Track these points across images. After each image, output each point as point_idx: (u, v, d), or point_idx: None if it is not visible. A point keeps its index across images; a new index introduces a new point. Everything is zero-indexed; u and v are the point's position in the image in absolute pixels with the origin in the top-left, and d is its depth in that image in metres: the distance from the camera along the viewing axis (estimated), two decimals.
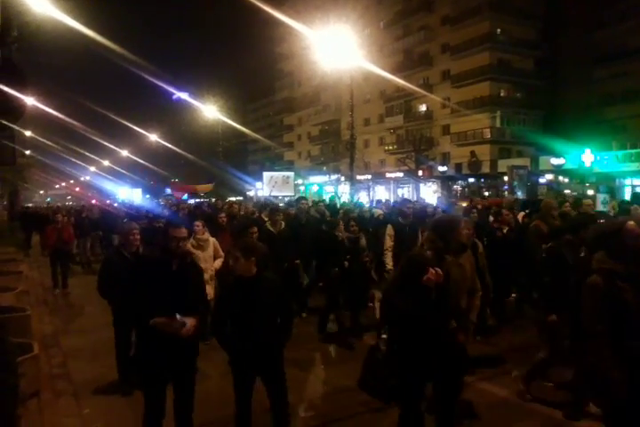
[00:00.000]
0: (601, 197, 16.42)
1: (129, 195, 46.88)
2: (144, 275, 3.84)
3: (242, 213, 12.28)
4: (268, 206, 14.04)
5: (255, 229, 6.67)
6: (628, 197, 26.74)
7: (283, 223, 8.09)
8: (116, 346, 5.49)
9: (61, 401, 5.17)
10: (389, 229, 7.29)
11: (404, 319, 3.62)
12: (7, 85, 3.58)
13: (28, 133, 30.50)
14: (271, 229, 7.83)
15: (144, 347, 3.82)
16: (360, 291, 7.52)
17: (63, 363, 6.35)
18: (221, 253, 7.12)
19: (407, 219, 7.50)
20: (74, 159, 57.89)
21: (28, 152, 36.31)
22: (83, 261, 15.16)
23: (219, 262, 7.02)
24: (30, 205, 54.67)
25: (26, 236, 20.13)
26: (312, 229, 8.44)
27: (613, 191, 27.94)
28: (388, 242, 7.25)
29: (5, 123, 3.68)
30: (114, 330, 5.49)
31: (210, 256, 6.97)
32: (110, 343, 5.65)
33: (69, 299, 10.86)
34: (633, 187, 28.52)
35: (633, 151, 28.95)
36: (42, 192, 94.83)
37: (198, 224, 7.00)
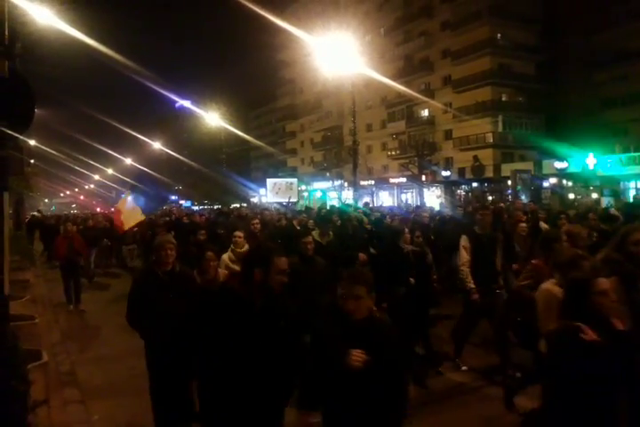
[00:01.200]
0: (605, 200, 16.43)
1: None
2: (212, 318, 2.89)
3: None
4: (302, 213, 13.78)
5: (310, 238, 5.69)
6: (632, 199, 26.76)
7: (331, 234, 7.32)
8: (150, 389, 4.34)
9: (70, 408, 5.19)
10: (465, 241, 6.30)
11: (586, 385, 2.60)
12: (14, 97, 3.64)
13: (32, 143, 30.70)
14: (319, 239, 6.85)
15: (218, 409, 2.88)
16: (425, 314, 6.43)
17: (72, 370, 6.38)
18: None
19: (485, 228, 6.42)
20: (78, 168, 58.20)
21: (32, 161, 36.50)
22: (88, 275, 14.24)
23: None
24: (36, 213, 54.77)
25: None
26: (362, 240, 7.54)
27: (618, 194, 27.91)
28: (464, 256, 6.23)
29: (12, 133, 3.73)
30: (145, 362, 4.38)
31: None
32: (120, 352, 5.67)
33: (84, 318, 9.95)
34: (637, 190, 28.45)
35: (636, 154, 28.91)
36: (46, 200, 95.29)
37: (240, 235, 6.42)
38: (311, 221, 10.01)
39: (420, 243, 6.75)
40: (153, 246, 4.50)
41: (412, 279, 6.03)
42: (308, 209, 16.36)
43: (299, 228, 9.66)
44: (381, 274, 5.53)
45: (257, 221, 8.66)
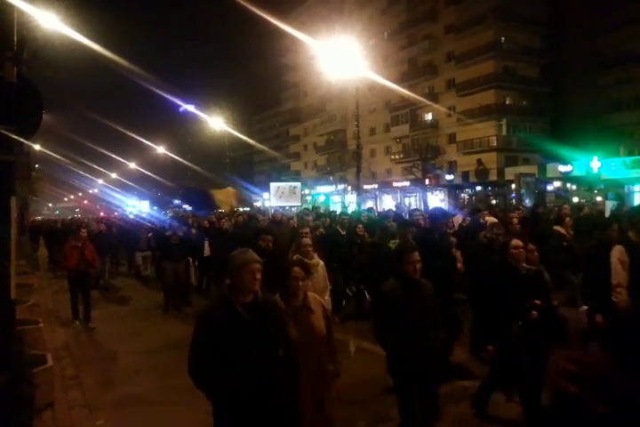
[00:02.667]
0: (609, 203, 16.37)
1: (136, 206, 46.89)
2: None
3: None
4: (322, 216, 13.27)
5: (416, 256, 4.03)
6: (638, 202, 26.65)
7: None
8: None
9: (75, 412, 5.20)
10: (619, 252, 4.94)
11: None
12: (22, 102, 3.66)
13: (37, 147, 30.81)
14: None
15: None
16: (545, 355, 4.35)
17: (76, 374, 6.39)
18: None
19: None
20: (82, 172, 58.36)
21: (37, 166, 36.59)
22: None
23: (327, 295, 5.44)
24: (39, 218, 54.90)
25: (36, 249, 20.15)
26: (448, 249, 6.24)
27: (622, 198, 27.80)
28: (620, 272, 4.84)
29: (18, 138, 3.75)
30: None
31: (322, 287, 5.44)
32: (125, 356, 5.64)
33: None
34: None
35: None
36: (50, 205, 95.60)
37: (309, 244, 5.74)
38: (360, 225, 9.13)
39: (533, 260, 5.23)
40: (230, 266, 3.08)
41: (533, 312, 4.38)
42: (330, 214, 15.70)
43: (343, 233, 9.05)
44: (489, 305, 4.73)
45: (307, 229, 7.56)
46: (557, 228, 8.19)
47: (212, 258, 11.24)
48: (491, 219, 8.40)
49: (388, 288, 3.98)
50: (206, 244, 11.57)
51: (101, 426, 4.93)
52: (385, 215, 11.15)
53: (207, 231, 11.99)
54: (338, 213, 15.49)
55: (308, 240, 5.82)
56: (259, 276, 3.07)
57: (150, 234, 14.53)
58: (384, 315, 3.90)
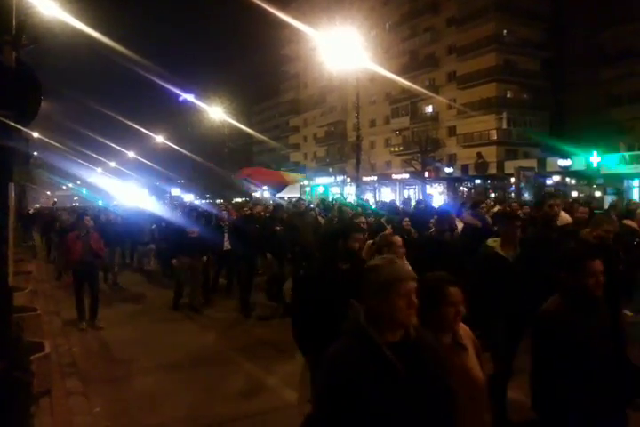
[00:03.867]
0: (608, 198, 16.39)
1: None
2: None
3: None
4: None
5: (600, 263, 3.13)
6: (636, 197, 26.68)
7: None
8: None
9: (72, 400, 5.21)
10: None
11: None
12: (21, 87, 3.62)
13: (35, 135, 30.66)
14: (502, 253, 4.40)
15: None
16: None
17: (73, 362, 6.40)
18: None
19: None
20: (81, 161, 58.13)
21: (35, 153, 36.42)
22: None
23: None
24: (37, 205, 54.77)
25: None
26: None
27: (621, 193, 27.82)
28: None
29: (15, 125, 3.71)
30: None
31: None
32: (123, 344, 5.60)
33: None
34: None
35: None
36: (48, 193, 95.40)
37: (399, 240, 4.63)
38: (407, 219, 7.70)
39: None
40: (371, 285, 2.05)
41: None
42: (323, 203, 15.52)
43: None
44: None
45: (363, 219, 7.14)
46: (629, 222, 7.15)
47: (233, 253, 9.95)
48: (565, 214, 6.89)
49: (555, 310, 2.86)
50: (226, 237, 10.46)
51: (99, 414, 4.94)
52: (393, 211, 10.49)
53: (234, 223, 10.57)
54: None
55: (398, 238, 4.65)
56: (415, 299, 2.03)
57: (154, 225, 13.61)
58: (556, 354, 2.72)
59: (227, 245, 10.43)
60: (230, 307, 9.45)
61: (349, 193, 38.82)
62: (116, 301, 10.32)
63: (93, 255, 8.31)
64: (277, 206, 11.52)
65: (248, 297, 9.13)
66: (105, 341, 7.55)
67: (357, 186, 28.93)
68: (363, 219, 6.67)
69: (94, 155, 57.59)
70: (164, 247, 12.32)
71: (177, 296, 9.59)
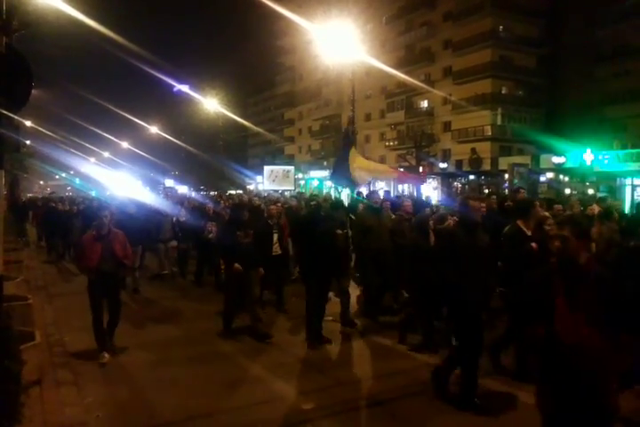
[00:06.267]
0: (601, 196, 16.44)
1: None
2: None
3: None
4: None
5: None
6: (628, 196, 26.86)
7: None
8: None
9: (63, 390, 5.18)
10: None
11: None
12: (11, 73, 3.58)
13: (28, 124, 30.43)
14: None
15: None
16: None
17: (65, 352, 6.38)
18: None
19: None
20: (74, 150, 57.74)
21: (28, 142, 36.14)
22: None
23: None
24: (29, 194, 54.34)
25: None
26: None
27: (614, 191, 27.95)
28: None
29: (7, 110, 3.67)
30: None
31: None
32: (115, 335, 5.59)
33: (80, 300, 6.73)
34: (633, 186, 28.51)
35: (634, 151, 28.89)
36: (41, 182, 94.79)
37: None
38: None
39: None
40: None
41: None
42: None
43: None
44: None
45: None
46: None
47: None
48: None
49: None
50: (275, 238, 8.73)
51: (90, 404, 4.92)
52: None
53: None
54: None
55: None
56: None
57: (175, 219, 11.54)
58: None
59: (276, 248, 8.72)
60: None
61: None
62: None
63: (117, 263, 6.29)
64: (326, 199, 10.67)
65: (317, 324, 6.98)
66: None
67: None
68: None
69: (88, 145, 57.26)
70: (184, 248, 11.55)
71: (228, 318, 7.26)
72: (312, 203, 8.15)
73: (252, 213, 8.34)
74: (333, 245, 6.96)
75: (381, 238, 7.69)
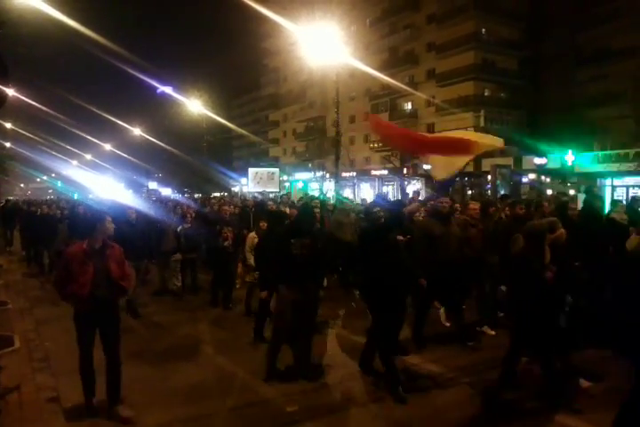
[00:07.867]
0: (582, 196, 16.65)
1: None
2: None
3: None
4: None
5: None
6: (608, 196, 27.24)
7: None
8: None
9: (42, 395, 5.12)
10: None
11: None
12: None
13: (8, 126, 30.04)
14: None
15: None
16: None
17: (45, 357, 6.29)
18: None
19: None
20: (56, 153, 57.08)
21: (8, 144, 35.71)
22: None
23: None
24: (10, 198, 53.50)
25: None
26: None
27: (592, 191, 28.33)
28: None
29: None
30: None
31: None
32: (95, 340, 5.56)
33: (60, 305, 5.81)
34: (613, 187, 28.96)
35: (613, 152, 29.40)
36: (22, 185, 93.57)
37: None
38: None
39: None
40: None
41: None
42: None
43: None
44: None
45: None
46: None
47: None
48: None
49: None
50: None
51: (70, 409, 4.86)
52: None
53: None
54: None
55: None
56: None
57: (180, 228, 10.18)
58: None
59: None
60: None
61: (328, 189, 38.90)
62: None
63: (114, 287, 4.73)
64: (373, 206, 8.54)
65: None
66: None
67: (336, 182, 28.91)
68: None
69: (70, 147, 56.69)
70: (193, 258, 10.12)
71: (273, 355, 5.69)
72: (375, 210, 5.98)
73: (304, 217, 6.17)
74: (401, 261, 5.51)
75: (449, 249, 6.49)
